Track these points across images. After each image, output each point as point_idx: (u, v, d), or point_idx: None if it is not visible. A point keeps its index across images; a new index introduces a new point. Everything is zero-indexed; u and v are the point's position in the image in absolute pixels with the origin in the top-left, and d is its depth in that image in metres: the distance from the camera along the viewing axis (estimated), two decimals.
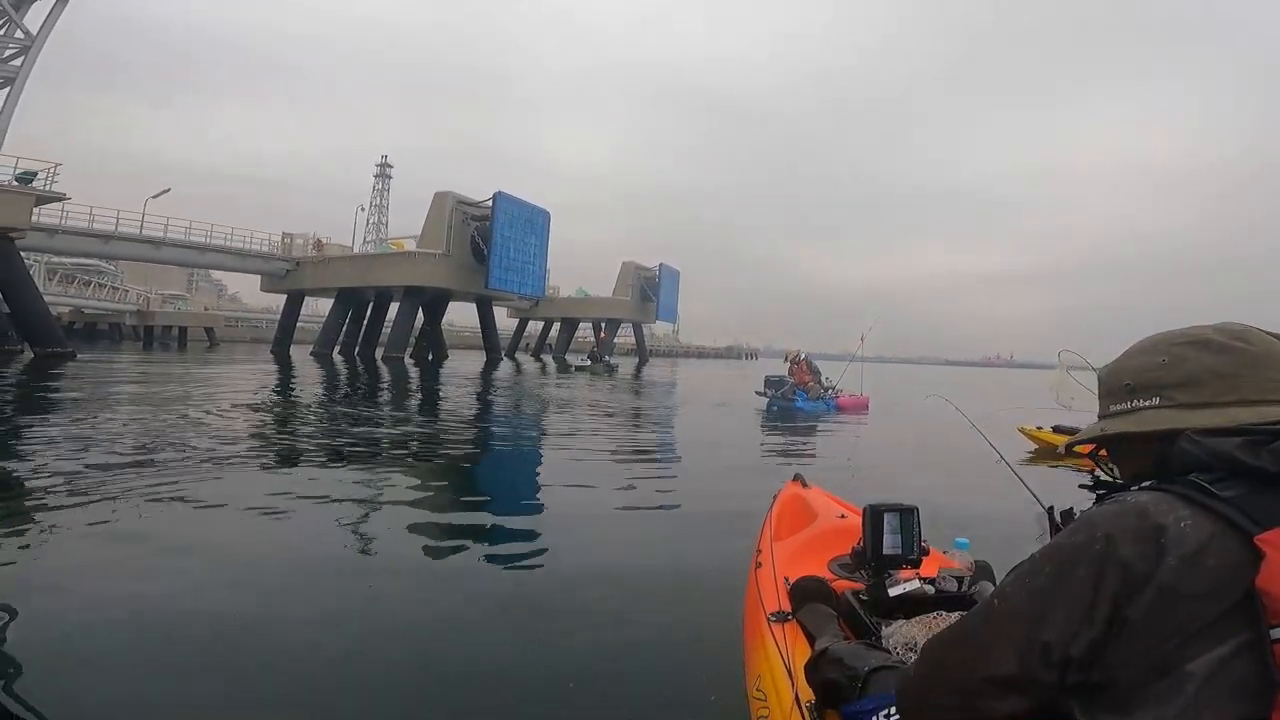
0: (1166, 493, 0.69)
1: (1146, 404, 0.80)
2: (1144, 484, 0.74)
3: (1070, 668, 0.68)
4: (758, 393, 12.54)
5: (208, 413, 8.56)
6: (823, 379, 12.61)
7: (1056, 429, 7.97)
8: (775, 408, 11.63)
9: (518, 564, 3.35)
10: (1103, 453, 0.92)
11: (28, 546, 3.26)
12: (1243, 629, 0.61)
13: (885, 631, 1.30)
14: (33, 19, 22.26)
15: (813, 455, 7.58)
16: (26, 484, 4.50)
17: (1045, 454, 7.78)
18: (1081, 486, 0.91)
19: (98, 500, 4.05)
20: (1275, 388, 0.74)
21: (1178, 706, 0.62)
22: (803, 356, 12.62)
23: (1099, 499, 0.75)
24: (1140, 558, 0.65)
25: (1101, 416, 0.87)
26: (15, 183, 20.31)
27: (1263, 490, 0.65)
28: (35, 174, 20.86)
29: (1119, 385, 0.83)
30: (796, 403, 11.64)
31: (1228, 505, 0.65)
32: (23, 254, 21.51)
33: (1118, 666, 0.65)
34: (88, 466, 4.92)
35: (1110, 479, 0.90)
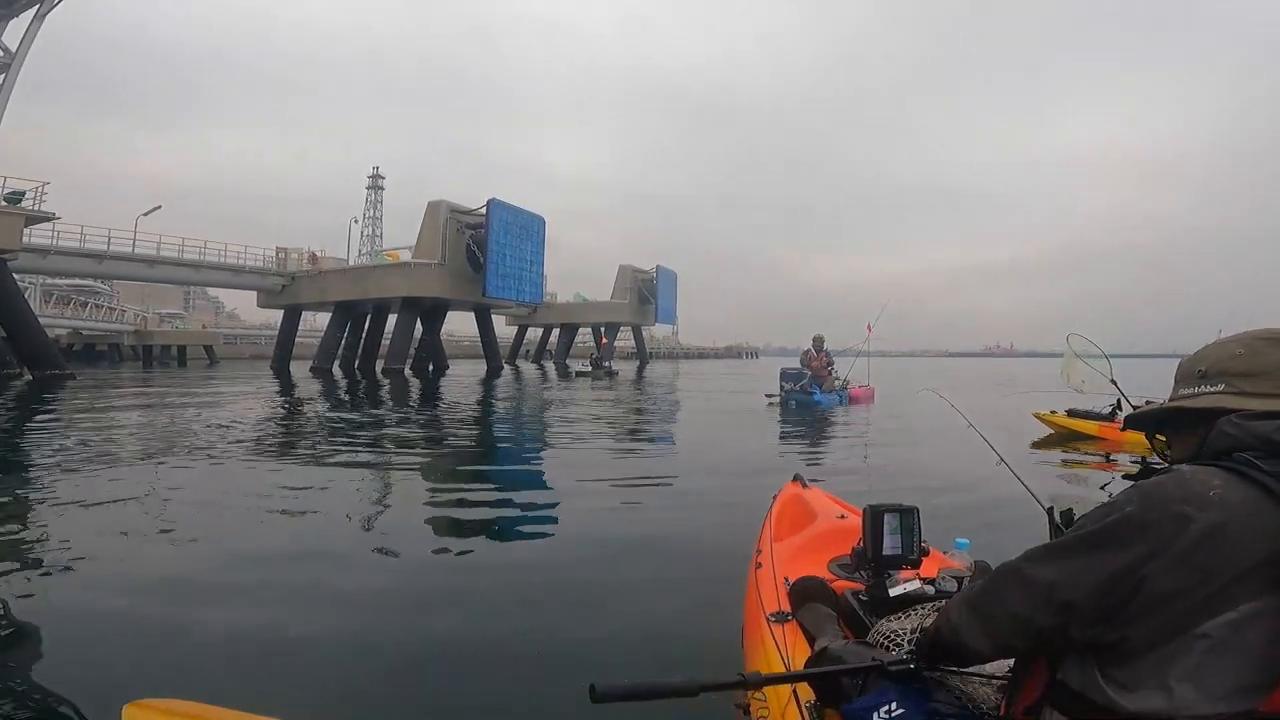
0: (1209, 465, 0.73)
1: (1211, 389, 0.85)
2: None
3: (1075, 619, 0.72)
4: (769, 396, 12.11)
5: (213, 430, 8.55)
6: (835, 371, 12.61)
7: (1071, 413, 8.00)
8: (793, 402, 11.58)
9: (517, 566, 3.36)
10: (1160, 437, 0.96)
11: (46, 552, 3.32)
12: (1259, 595, 0.64)
13: (876, 627, 1.29)
14: (11, 36, 22.16)
15: (815, 455, 7.57)
16: (39, 494, 4.51)
17: (1061, 438, 7.83)
18: (1125, 476, 0.94)
19: (110, 506, 4.13)
20: None
21: (1184, 668, 0.64)
22: (825, 346, 12.64)
23: (1153, 472, 0.80)
24: (1167, 522, 0.68)
25: (1170, 400, 0.92)
26: (4, 203, 20.19)
27: None
28: (23, 193, 20.71)
29: (1193, 371, 0.89)
30: (814, 396, 11.65)
31: (1268, 476, 0.68)
32: (16, 276, 21.47)
33: (1130, 625, 0.68)
34: (95, 477, 4.93)
35: (1162, 456, 0.94)
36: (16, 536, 3.60)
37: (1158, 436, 0.95)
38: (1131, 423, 0.99)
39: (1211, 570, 0.64)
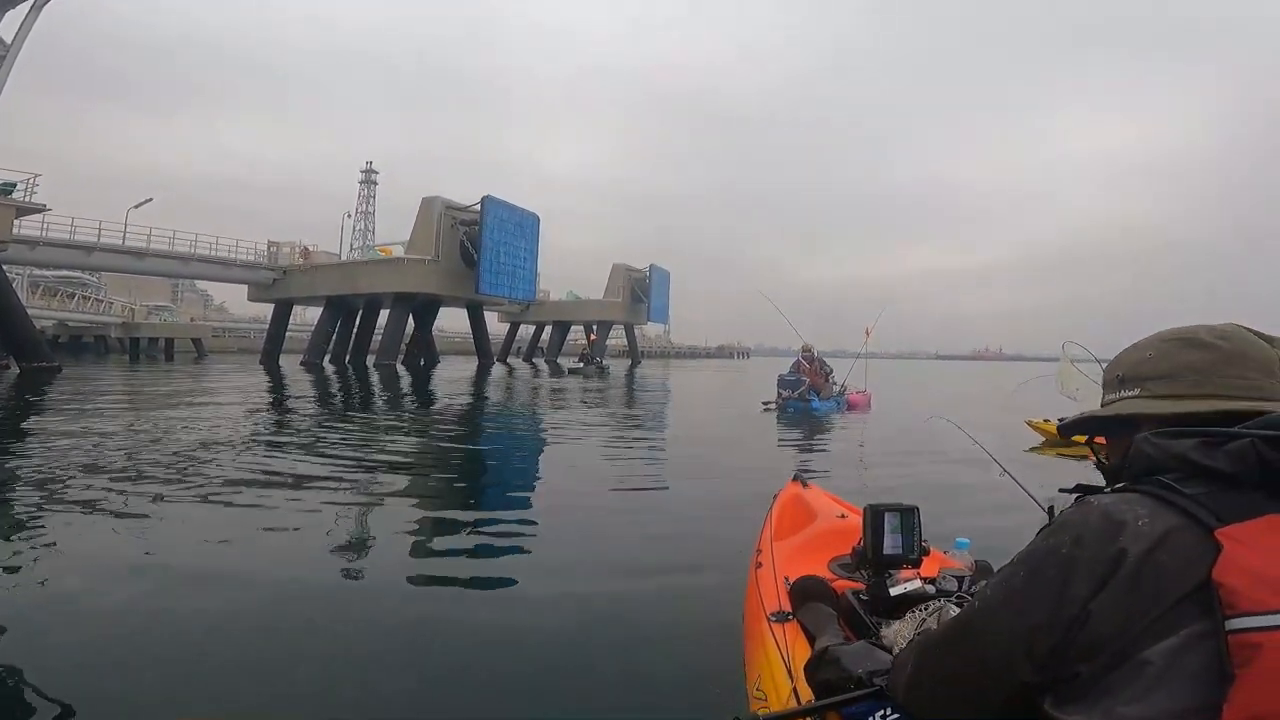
0: (1134, 492, 0.72)
1: (1129, 394, 0.86)
2: (1117, 486, 0.78)
3: (1047, 663, 0.71)
4: (765, 403, 11.97)
5: (198, 426, 8.48)
6: (832, 377, 12.51)
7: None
8: (791, 409, 11.49)
9: (516, 565, 3.34)
10: (1100, 440, 0.96)
11: (29, 556, 3.27)
12: (1197, 620, 0.63)
13: (883, 633, 1.30)
14: (8, 27, 21.88)
15: (815, 456, 7.60)
16: (24, 498, 4.45)
17: (1051, 444, 7.97)
18: (1061, 490, 0.94)
19: (86, 513, 4.04)
20: (1240, 385, 0.78)
21: (1134, 694, 0.64)
22: (816, 355, 12.53)
23: (1076, 501, 0.78)
24: (1101, 556, 0.68)
25: (1100, 409, 0.91)
26: None
27: (1226, 489, 0.68)
28: (14, 185, 20.57)
29: (1113, 377, 0.89)
30: (813, 404, 11.57)
31: (1190, 501, 0.68)
32: (4, 267, 21.23)
33: (1080, 659, 0.68)
34: (77, 481, 4.87)
35: (1102, 464, 0.94)
36: (38, 550, 3.45)
37: (1097, 440, 0.96)
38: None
39: (1152, 598, 0.65)
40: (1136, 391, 0.84)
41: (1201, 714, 0.61)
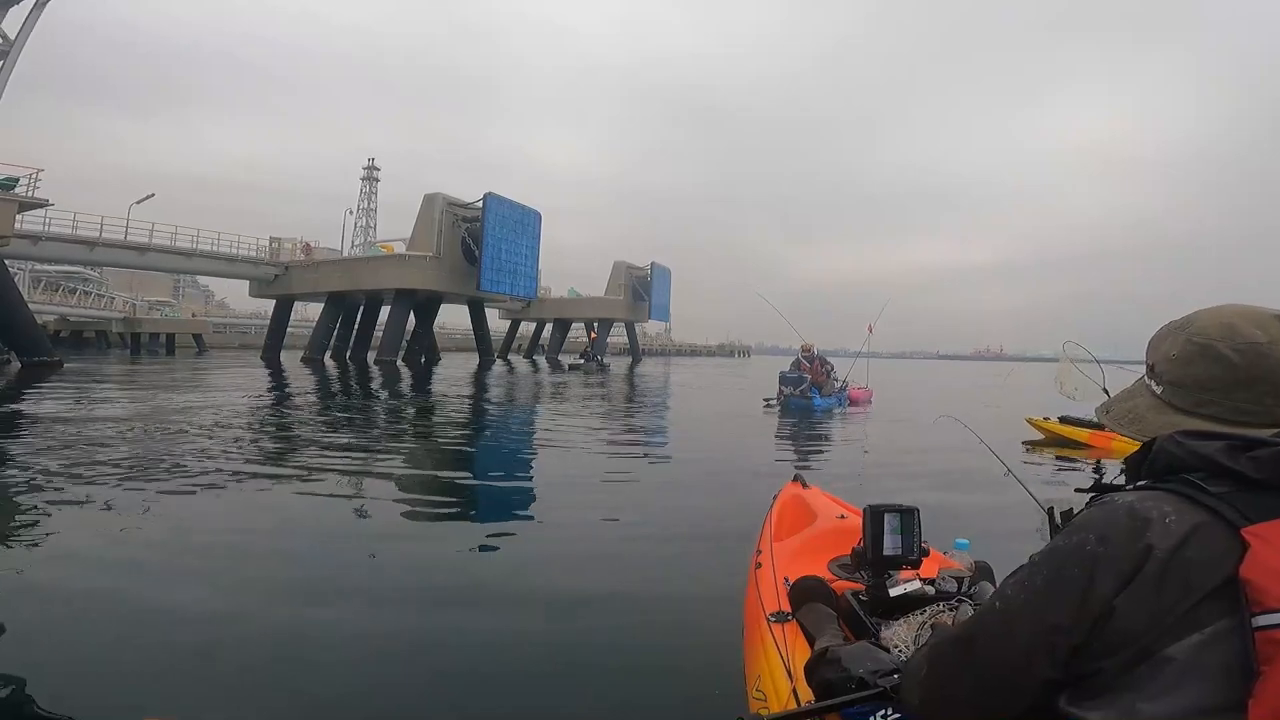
0: (1157, 490, 0.71)
1: (1156, 388, 0.84)
2: (1139, 484, 0.76)
3: (1069, 662, 0.70)
4: (766, 400, 12.13)
5: (201, 420, 8.49)
6: (834, 374, 12.62)
7: (1063, 419, 8.11)
8: (793, 406, 11.61)
9: (514, 565, 3.34)
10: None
11: (22, 553, 3.27)
12: (1222, 616, 0.63)
13: (883, 634, 1.30)
14: (11, 24, 21.86)
15: (815, 456, 7.59)
16: (22, 495, 4.45)
17: (1050, 442, 7.98)
18: (1078, 490, 0.92)
19: (84, 510, 4.05)
20: (1250, 411, 0.76)
21: (1156, 690, 0.64)
22: (816, 354, 12.62)
23: (1092, 500, 0.77)
24: (1127, 553, 0.67)
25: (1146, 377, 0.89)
26: None
27: (1250, 489, 0.68)
28: (17, 180, 20.55)
29: (1148, 360, 0.87)
30: (815, 400, 11.68)
31: (1217, 500, 0.67)
32: (6, 262, 21.24)
33: (1104, 656, 0.67)
34: (75, 476, 4.88)
35: (1102, 466, 0.93)
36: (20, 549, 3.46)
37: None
38: (1100, 419, 0.96)
39: (1178, 595, 0.65)
40: (1160, 390, 0.83)
41: (1224, 710, 0.61)
